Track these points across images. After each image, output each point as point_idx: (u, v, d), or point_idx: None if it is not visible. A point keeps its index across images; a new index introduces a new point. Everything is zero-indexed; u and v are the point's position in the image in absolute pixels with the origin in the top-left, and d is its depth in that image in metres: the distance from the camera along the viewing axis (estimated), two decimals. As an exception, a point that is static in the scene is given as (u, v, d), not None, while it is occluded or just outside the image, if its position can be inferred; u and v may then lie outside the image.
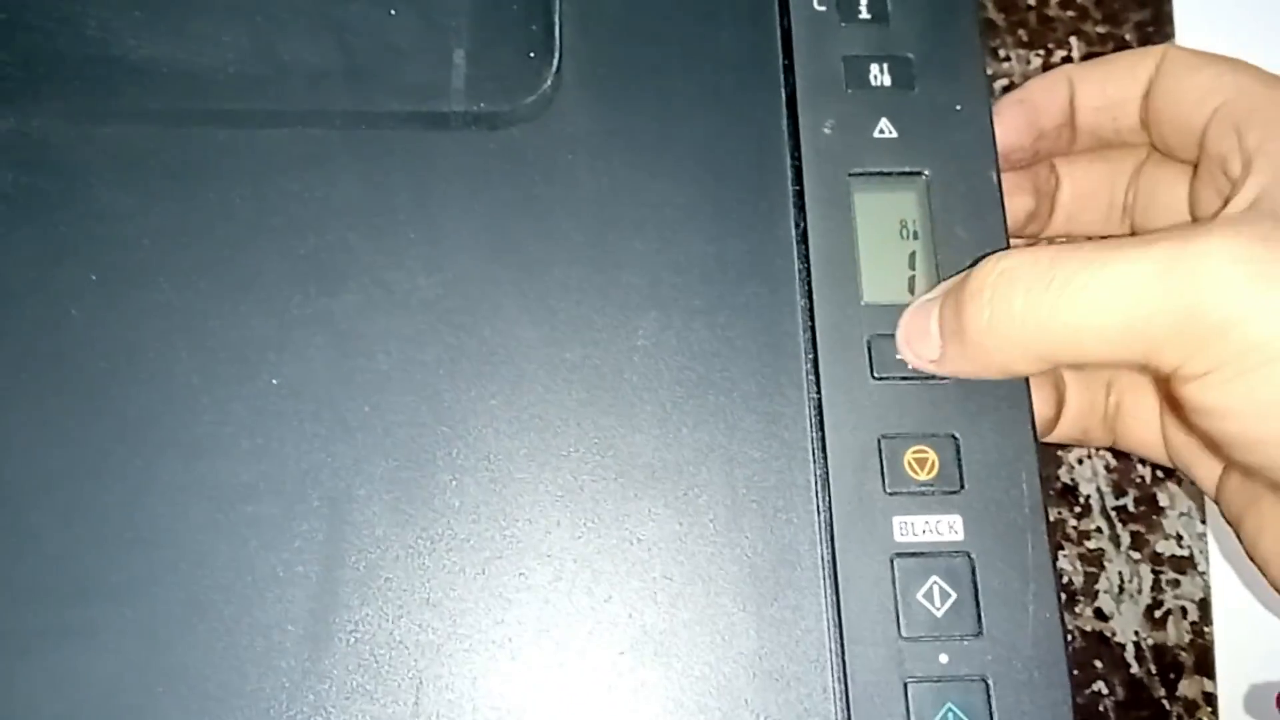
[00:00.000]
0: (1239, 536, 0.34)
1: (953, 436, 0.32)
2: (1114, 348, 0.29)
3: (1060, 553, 0.42)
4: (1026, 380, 0.33)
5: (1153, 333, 0.28)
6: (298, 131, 0.34)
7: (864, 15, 0.36)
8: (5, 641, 0.30)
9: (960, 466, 0.32)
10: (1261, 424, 0.28)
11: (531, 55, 0.35)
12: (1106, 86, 0.37)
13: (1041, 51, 0.47)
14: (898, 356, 0.33)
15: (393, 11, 0.35)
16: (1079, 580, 0.42)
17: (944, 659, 0.30)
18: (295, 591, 0.30)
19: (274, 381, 0.32)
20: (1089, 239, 0.32)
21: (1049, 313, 0.29)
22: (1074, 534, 0.42)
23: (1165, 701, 0.41)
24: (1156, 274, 0.28)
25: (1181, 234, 0.28)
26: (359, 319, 0.32)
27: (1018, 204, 0.38)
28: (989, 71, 0.47)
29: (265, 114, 0.34)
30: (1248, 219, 0.29)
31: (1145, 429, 0.38)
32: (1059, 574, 0.41)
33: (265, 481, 0.31)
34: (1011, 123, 0.37)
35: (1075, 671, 0.40)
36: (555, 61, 0.35)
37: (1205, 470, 0.36)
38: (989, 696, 0.30)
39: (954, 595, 0.31)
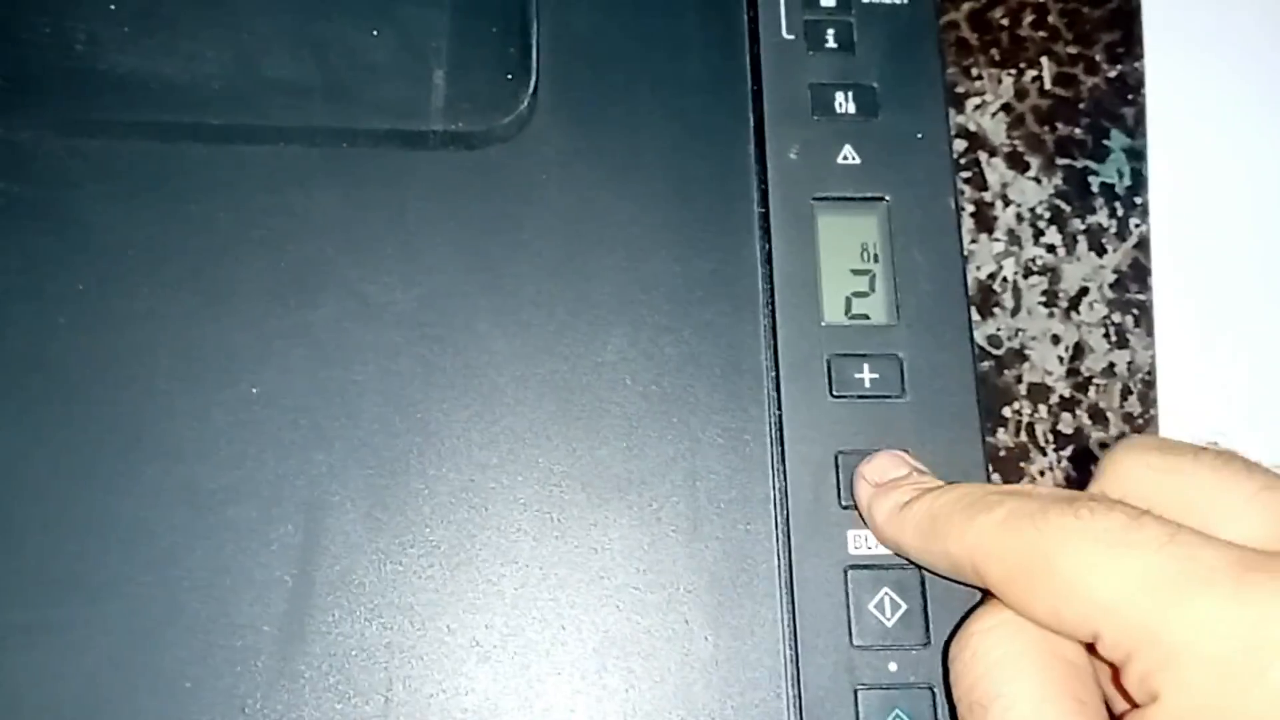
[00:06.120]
0: None
1: (905, 454, 0.33)
2: None
3: (1020, 561, 0.43)
4: (978, 400, 0.34)
5: None
6: (280, 147, 0.35)
7: (831, 44, 0.37)
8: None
9: (913, 483, 0.33)
10: None
11: (509, 77, 0.37)
12: None
13: (1013, 71, 0.48)
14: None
15: (374, 32, 0.37)
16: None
17: (893, 667, 0.31)
18: (270, 593, 0.31)
19: (253, 390, 0.33)
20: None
21: None
22: (1034, 543, 0.43)
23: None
24: None
25: None
26: (336, 331, 0.34)
27: None
28: (961, 89, 0.48)
29: (248, 130, 0.35)
30: None
31: None
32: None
33: (243, 486, 0.32)
34: None
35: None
36: (532, 84, 0.36)
37: None
38: (935, 704, 0.31)
39: (904, 606, 0.32)
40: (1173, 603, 0.25)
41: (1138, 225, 0.46)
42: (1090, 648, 0.27)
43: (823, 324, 0.35)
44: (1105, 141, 0.47)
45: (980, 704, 0.28)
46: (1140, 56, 0.49)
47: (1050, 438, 0.44)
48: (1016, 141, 0.47)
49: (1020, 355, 0.44)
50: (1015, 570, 0.28)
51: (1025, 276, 0.46)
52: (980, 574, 0.29)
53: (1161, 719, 0.25)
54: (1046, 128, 0.48)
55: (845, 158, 0.36)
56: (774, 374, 0.34)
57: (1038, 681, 0.27)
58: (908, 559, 0.32)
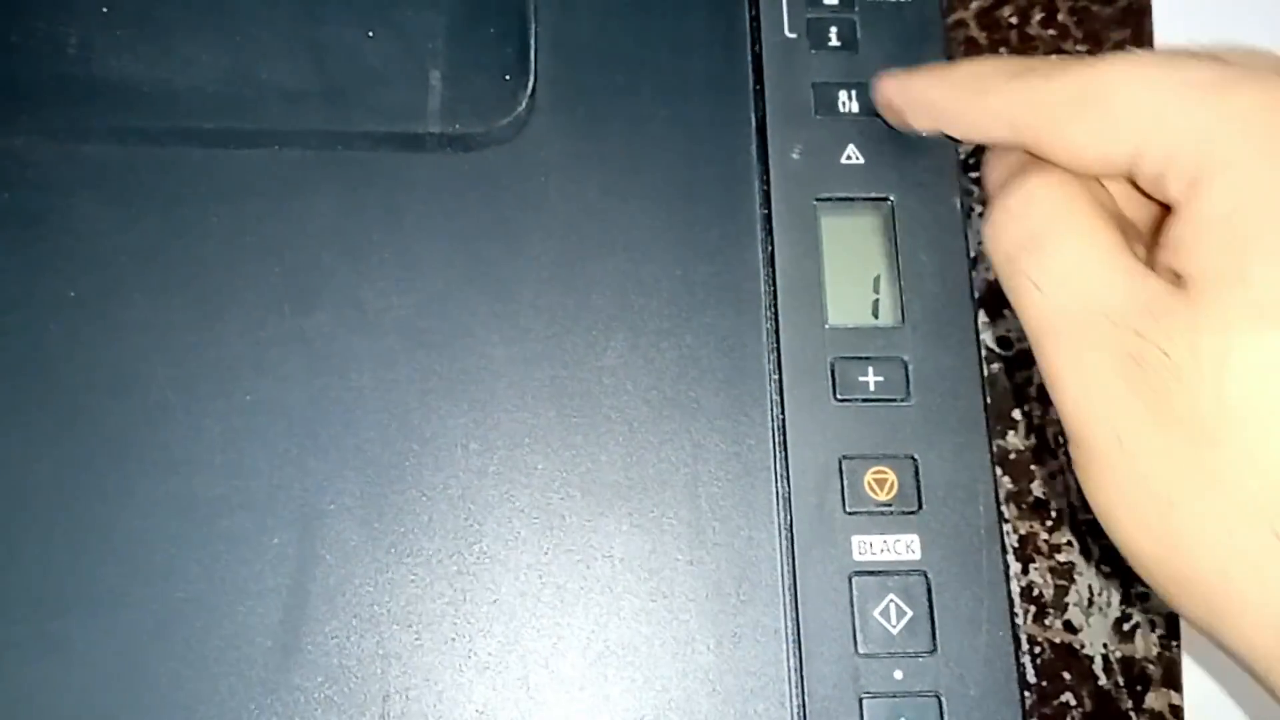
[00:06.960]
0: None
1: (912, 458, 0.33)
2: None
3: (1031, 565, 0.42)
4: (985, 404, 0.33)
5: None
6: (275, 151, 0.35)
7: (834, 43, 0.37)
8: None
9: (919, 487, 0.33)
10: None
11: (506, 78, 0.36)
12: None
13: (1022, 69, 0.48)
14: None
15: (370, 34, 0.36)
16: (1049, 593, 0.42)
17: (899, 675, 0.31)
18: (266, 604, 0.31)
19: (248, 398, 0.32)
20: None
21: None
22: (1045, 547, 0.43)
23: (1132, 713, 0.41)
24: None
25: None
26: (333, 337, 0.33)
27: None
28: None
29: (243, 134, 0.35)
30: None
31: None
32: (1027, 587, 0.41)
33: (238, 496, 0.32)
34: None
35: (1044, 682, 0.40)
36: (530, 85, 0.36)
37: None
38: (942, 712, 0.31)
39: (910, 613, 0.31)
40: (1217, 98, 0.28)
41: (1149, 224, 0.46)
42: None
43: (826, 326, 0.34)
44: (1115, 140, 0.47)
45: (1029, 247, 0.31)
46: (1151, 53, 0.49)
47: (1061, 439, 0.43)
48: (1025, 140, 0.47)
49: (1030, 357, 0.44)
50: (1064, 106, 0.30)
51: (1034, 277, 0.45)
52: (1022, 124, 0.31)
53: (1206, 209, 0.28)
54: (1056, 126, 0.47)
55: (849, 158, 0.36)
56: (777, 378, 0.34)
57: (1087, 223, 0.30)
58: (924, 125, 0.34)
